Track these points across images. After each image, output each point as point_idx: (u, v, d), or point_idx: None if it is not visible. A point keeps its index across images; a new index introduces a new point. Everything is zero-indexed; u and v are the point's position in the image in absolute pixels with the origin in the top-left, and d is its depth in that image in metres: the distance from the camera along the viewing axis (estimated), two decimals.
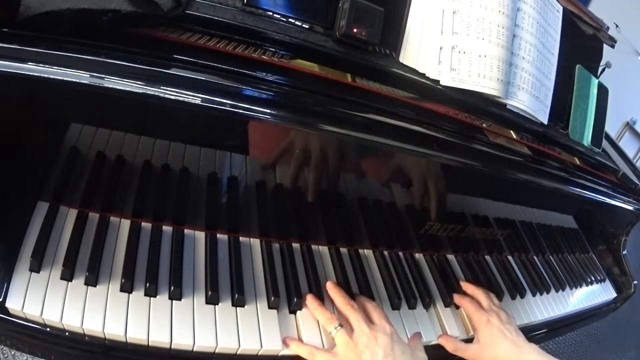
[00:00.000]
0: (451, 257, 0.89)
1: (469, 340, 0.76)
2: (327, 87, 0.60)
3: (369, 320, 0.63)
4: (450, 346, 0.73)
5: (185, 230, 0.66)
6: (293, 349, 0.60)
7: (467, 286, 0.83)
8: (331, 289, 0.68)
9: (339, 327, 0.61)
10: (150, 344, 0.54)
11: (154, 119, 0.57)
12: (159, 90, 0.49)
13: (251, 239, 0.70)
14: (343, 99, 0.60)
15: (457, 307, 0.81)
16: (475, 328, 0.76)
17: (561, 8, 0.87)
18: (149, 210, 0.64)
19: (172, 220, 0.65)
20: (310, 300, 0.65)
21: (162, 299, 0.58)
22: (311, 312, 0.64)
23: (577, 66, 0.94)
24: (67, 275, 0.55)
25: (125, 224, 0.63)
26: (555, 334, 1.00)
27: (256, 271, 0.67)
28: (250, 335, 0.59)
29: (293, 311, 0.65)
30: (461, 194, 0.79)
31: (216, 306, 0.60)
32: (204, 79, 0.51)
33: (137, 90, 0.48)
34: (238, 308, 0.61)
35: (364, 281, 0.73)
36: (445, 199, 0.77)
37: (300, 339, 0.62)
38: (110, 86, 0.47)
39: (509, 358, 0.71)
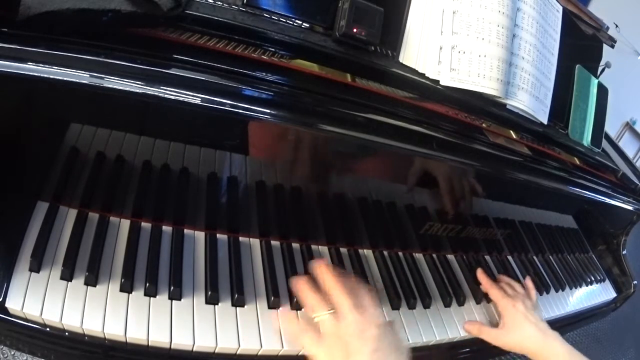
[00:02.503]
0: (451, 257, 0.89)
1: (465, 343, 0.77)
2: (327, 87, 0.60)
3: (360, 307, 0.56)
4: (475, 329, 0.76)
5: (185, 230, 0.66)
6: (283, 319, 0.58)
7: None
8: (320, 267, 0.60)
9: (327, 313, 0.55)
10: (150, 344, 0.54)
11: (154, 119, 0.56)
12: (159, 90, 0.49)
13: (251, 239, 0.70)
14: (343, 99, 0.60)
15: (459, 305, 0.81)
16: (500, 313, 0.78)
17: (561, 8, 0.87)
18: (149, 210, 0.64)
19: (172, 220, 0.65)
20: (301, 283, 0.59)
21: (162, 299, 0.58)
22: (300, 294, 0.59)
23: (577, 66, 0.94)
24: (67, 275, 0.55)
25: (125, 224, 0.63)
26: None
27: (256, 271, 0.66)
28: (250, 335, 0.59)
29: (293, 311, 0.65)
30: (461, 194, 0.79)
31: (216, 306, 0.60)
32: (203, 79, 0.51)
33: (137, 90, 0.48)
34: (238, 308, 0.61)
35: (364, 281, 0.73)
36: (445, 199, 0.77)
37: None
38: (110, 86, 0.47)
39: (533, 342, 0.72)
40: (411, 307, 0.75)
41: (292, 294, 0.65)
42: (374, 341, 0.53)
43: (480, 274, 0.84)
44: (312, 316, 0.56)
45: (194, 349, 0.56)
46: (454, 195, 0.77)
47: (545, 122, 0.85)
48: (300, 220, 0.73)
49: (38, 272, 0.54)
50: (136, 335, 0.54)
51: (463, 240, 0.87)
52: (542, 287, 0.96)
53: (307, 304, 0.58)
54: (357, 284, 0.60)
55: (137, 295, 0.57)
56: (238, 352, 0.58)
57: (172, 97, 0.49)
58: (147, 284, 0.57)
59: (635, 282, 1.18)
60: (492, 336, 0.75)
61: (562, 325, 0.99)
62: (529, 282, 0.86)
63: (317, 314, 0.56)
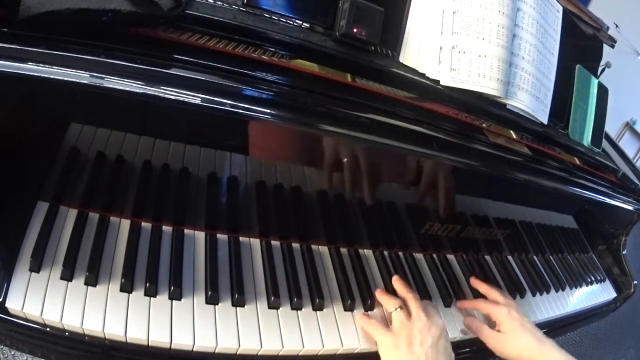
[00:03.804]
0: (451, 257, 0.89)
1: (465, 343, 0.77)
2: (327, 87, 0.60)
3: (428, 311, 0.67)
4: (475, 327, 0.75)
5: (185, 230, 0.66)
6: (362, 322, 0.67)
7: (480, 285, 0.83)
8: (396, 280, 0.74)
9: (399, 309, 0.67)
10: (150, 344, 0.54)
11: (154, 119, 0.57)
12: (159, 90, 0.49)
13: (251, 239, 0.70)
14: (343, 99, 0.60)
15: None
16: (497, 321, 0.76)
17: (561, 8, 0.87)
18: (149, 210, 0.64)
19: (172, 220, 0.65)
20: (377, 291, 0.72)
21: (162, 299, 0.58)
22: (377, 296, 0.71)
23: (577, 66, 0.94)
24: (67, 275, 0.55)
25: (125, 224, 0.63)
26: (555, 334, 1.00)
27: (256, 271, 0.66)
28: (250, 335, 0.59)
29: (293, 311, 0.65)
30: (461, 194, 0.79)
31: (216, 306, 0.60)
32: (204, 79, 0.51)
33: (137, 90, 0.48)
34: (238, 308, 0.61)
35: (364, 281, 0.73)
36: (445, 199, 0.77)
37: (300, 339, 0.62)
38: (110, 86, 0.47)
39: (530, 350, 0.72)
40: None
41: (291, 294, 0.65)
42: (433, 339, 0.64)
43: (460, 304, 0.81)
44: (389, 310, 0.68)
45: (194, 349, 0.56)
46: (452, 194, 0.77)
47: (545, 122, 0.85)
48: (300, 220, 0.73)
49: (38, 272, 0.54)
50: (136, 335, 0.54)
51: (463, 240, 0.87)
52: (542, 287, 0.97)
53: (382, 301, 0.71)
54: (425, 300, 0.73)
55: (137, 295, 0.57)
56: (238, 352, 0.58)
57: (172, 97, 0.49)
58: (147, 284, 0.57)
59: (635, 282, 1.18)
60: (491, 338, 0.74)
61: (562, 325, 0.99)
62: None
63: (390, 309, 0.68)
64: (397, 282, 0.74)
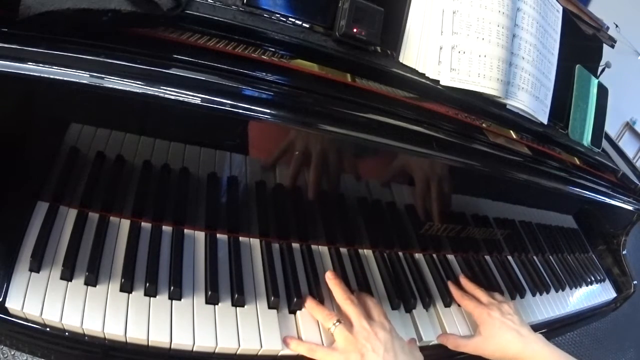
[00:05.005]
0: (451, 257, 0.89)
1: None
2: (327, 87, 0.60)
3: (368, 316, 0.63)
4: (450, 343, 0.73)
5: (185, 230, 0.66)
6: (293, 347, 0.60)
7: (465, 283, 0.83)
8: (331, 279, 0.68)
9: (338, 323, 0.61)
10: (150, 344, 0.54)
11: (154, 119, 0.57)
12: (159, 90, 0.49)
13: (251, 239, 0.70)
14: (343, 99, 0.60)
15: (459, 305, 0.81)
16: (477, 323, 0.76)
17: (561, 8, 0.87)
18: (149, 210, 0.64)
19: (172, 220, 0.65)
20: (308, 301, 0.65)
21: (162, 299, 0.58)
22: (310, 312, 0.65)
23: (577, 66, 0.94)
24: (67, 275, 0.55)
25: (125, 224, 0.63)
26: (555, 334, 1.00)
27: (256, 271, 0.66)
28: (250, 335, 0.59)
29: (293, 311, 0.65)
30: (461, 194, 0.79)
31: (216, 306, 0.60)
32: (204, 79, 0.51)
33: (137, 90, 0.48)
34: (238, 308, 0.61)
35: (364, 281, 0.73)
36: (445, 199, 0.77)
37: (300, 338, 0.62)
38: (110, 86, 0.47)
39: (513, 347, 0.70)
40: (411, 307, 0.75)
41: (291, 294, 0.65)
42: (385, 344, 0.59)
43: (451, 286, 0.81)
44: (327, 326, 0.62)
45: (194, 349, 0.56)
46: (452, 195, 0.77)
47: (545, 122, 0.85)
48: (300, 220, 0.73)
49: (38, 272, 0.54)
50: (136, 335, 0.54)
51: (463, 240, 0.87)
52: (542, 287, 0.97)
53: (318, 318, 0.64)
54: (365, 297, 0.68)
55: (137, 295, 0.57)
56: (238, 352, 0.58)
57: (172, 97, 0.49)
58: (147, 284, 0.57)
59: (635, 282, 1.19)
60: (471, 346, 0.73)
61: (562, 325, 0.99)
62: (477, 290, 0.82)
63: (328, 325, 0.62)
64: (332, 282, 0.67)
